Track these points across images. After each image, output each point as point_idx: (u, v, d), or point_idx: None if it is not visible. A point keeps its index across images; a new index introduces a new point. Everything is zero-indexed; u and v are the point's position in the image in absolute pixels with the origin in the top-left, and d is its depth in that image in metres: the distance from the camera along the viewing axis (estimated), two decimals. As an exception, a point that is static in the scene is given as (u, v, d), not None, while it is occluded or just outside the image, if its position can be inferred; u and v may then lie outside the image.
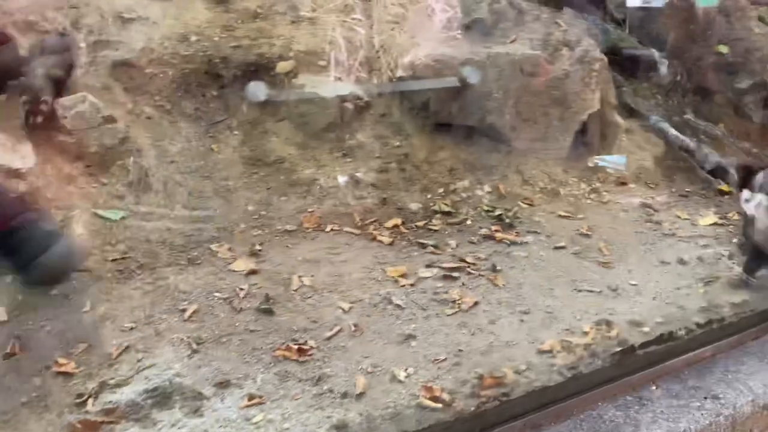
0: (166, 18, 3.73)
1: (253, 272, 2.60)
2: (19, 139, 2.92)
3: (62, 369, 2.01)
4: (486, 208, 3.25)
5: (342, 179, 3.28)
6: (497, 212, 3.21)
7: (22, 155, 2.82)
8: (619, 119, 4.04)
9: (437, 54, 3.51)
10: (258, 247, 2.79)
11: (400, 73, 3.59)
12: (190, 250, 2.74)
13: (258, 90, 3.35)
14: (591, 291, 2.61)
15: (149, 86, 3.43)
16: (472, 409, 1.86)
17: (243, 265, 2.63)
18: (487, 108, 3.49)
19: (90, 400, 1.89)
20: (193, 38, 3.63)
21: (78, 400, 1.89)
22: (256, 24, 3.83)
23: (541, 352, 2.18)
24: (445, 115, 3.52)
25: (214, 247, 2.77)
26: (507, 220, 3.13)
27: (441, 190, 3.33)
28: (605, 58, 3.93)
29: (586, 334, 2.29)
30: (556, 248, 2.97)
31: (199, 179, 3.19)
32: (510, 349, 2.20)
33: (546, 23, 3.91)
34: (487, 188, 3.38)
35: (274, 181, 3.28)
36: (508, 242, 2.97)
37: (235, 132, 3.45)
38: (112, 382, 1.95)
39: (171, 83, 3.46)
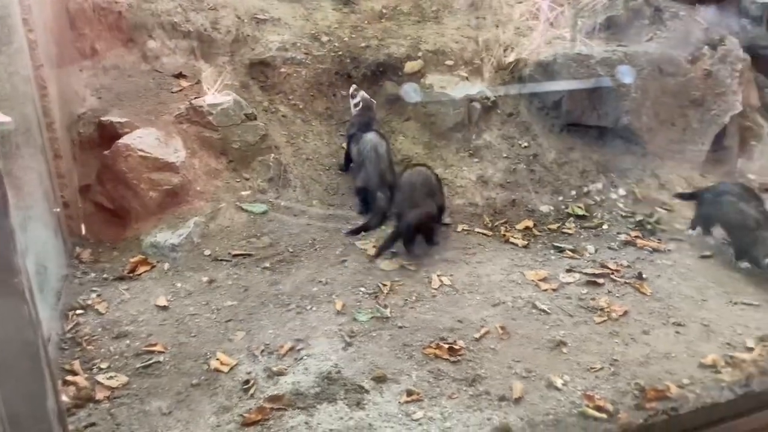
0: (297, 19, 3.84)
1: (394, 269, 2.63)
2: (171, 134, 3.09)
3: (221, 362, 2.09)
4: (623, 213, 3.13)
5: (469, 179, 3.26)
6: (637, 218, 3.08)
7: (174, 149, 2.99)
8: (762, 122, 3.79)
9: (573, 53, 3.42)
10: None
11: (530, 71, 3.52)
12: (330, 245, 2.80)
13: (411, 91, 3.39)
14: (748, 304, 2.46)
15: (284, 85, 3.54)
16: (641, 421, 1.79)
17: (389, 264, 2.66)
18: (623, 108, 3.36)
19: (254, 387, 1.96)
20: (324, 38, 3.71)
21: (245, 386, 1.97)
22: (382, 24, 3.87)
23: (703, 366, 2.08)
24: (577, 115, 3.42)
25: (359, 244, 2.82)
26: (648, 227, 3.00)
27: (573, 193, 3.24)
28: (748, 58, 3.70)
29: (751, 349, 2.15)
30: (703, 257, 2.82)
31: (333, 176, 3.26)
32: (669, 362, 2.10)
33: (685, 21, 3.72)
34: (621, 191, 3.26)
35: (403, 179, 3.30)
36: (650, 249, 2.85)
37: (363, 131, 3.50)
38: (274, 369, 2.02)
39: (304, 83, 3.56)
